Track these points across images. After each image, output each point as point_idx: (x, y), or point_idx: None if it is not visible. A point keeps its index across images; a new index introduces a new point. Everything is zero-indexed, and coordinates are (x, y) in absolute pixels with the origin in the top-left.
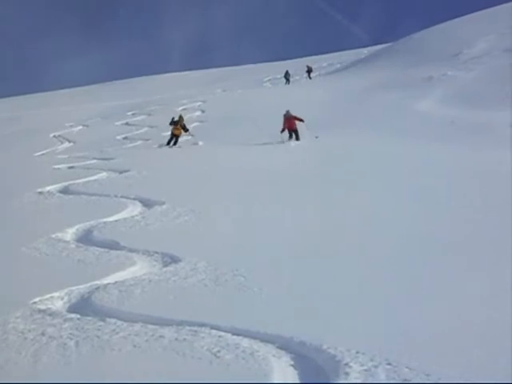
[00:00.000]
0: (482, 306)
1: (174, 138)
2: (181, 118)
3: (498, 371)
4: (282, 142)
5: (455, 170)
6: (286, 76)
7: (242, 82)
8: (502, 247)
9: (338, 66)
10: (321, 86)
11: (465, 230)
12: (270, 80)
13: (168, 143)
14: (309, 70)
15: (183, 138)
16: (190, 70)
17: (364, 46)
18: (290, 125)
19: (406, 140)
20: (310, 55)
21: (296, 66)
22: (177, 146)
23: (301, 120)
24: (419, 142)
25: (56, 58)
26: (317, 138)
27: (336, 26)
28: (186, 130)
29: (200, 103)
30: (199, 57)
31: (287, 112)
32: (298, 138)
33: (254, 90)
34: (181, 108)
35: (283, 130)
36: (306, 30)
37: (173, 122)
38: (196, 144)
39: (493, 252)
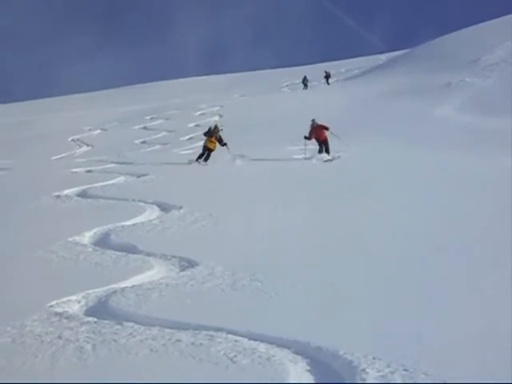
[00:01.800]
0: (493, 310)
1: (207, 152)
2: (216, 128)
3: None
4: (309, 158)
5: (470, 177)
6: (304, 81)
7: (260, 87)
8: None
9: (356, 71)
10: (339, 91)
11: (477, 235)
12: (287, 85)
13: (199, 158)
14: (327, 76)
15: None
16: (206, 74)
17: (381, 53)
18: (319, 135)
19: (424, 147)
20: (328, 61)
21: (314, 71)
22: (206, 162)
23: (326, 128)
24: (436, 149)
25: (70, 63)
26: (338, 157)
27: (353, 33)
28: (223, 144)
29: (218, 108)
30: (215, 62)
31: (313, 121)
32: (328, 151)
33: (272, 95)
34: (199, 113)
35: (309, 138)
36: (323, 35)
37: (208, 133)
38: (234, 160)
39: (505, 257)
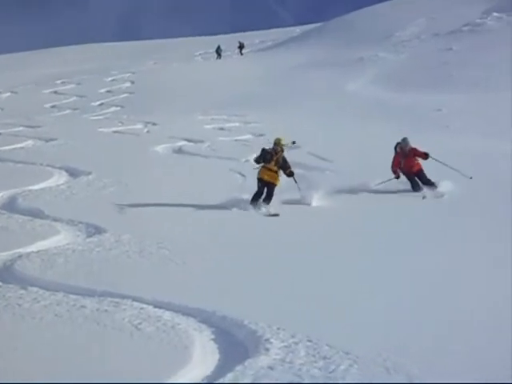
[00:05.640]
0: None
1: (266, 188)
2: (279, 145)
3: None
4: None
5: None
6: (218, 51)
7: (174, 55)
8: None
9: (270, 43)
10: (253, 62)
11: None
12: (201, 54)
13: (254, 199)
14: (240, 46)
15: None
16: (119, 41)
17: (294, 25)
18: (409, 165)
19: (338, 119)
20: (242, 31)
21: (228, 41)
22: (269, 204)
23: (425, 156)
24: (350, 122)
25: None
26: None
27: (267, 5)
28: (290, 174)
29: (130, 74)
30: (129, 28)
31: (404, 141)
32: (415, 188)
33: (185, 64)
34: (110, 79)
35: (395, 173)
36: (237, 6)
37: (262, 157)
38: (307, 204)
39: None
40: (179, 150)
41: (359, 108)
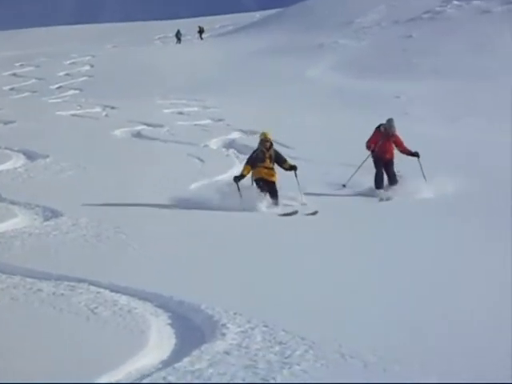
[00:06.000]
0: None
1: (267, 187)
2: (267, 140)
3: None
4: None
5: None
6: (178, 35)
7: (133, 39)
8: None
9: (230, 28)
10: (212, 47)
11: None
12: (160, 38)
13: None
14: (200, 31)
15: None
16: (80, 23)
17: (254, 11)
18: (383, 149)
19: (298, 105)
20: (202, 16)
21: (188, 26)
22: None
23: (411, 153)
24: (310, 108)
25: None
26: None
27: None
28: (291, 168)
29: (89, 57)
30: (88, 11)
31: (388, 122)
32: (393, 182)
33: (144, 48)
34: (69, 62)
35: (369, 148)
36: None
37: (253, 158)
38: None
39: None
40: (138, 134)
41: (319, 95)
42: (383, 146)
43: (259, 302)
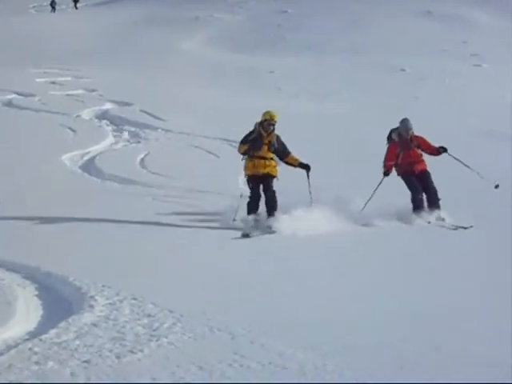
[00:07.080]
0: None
1: (262, 184)
2: (271, 122)
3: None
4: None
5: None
6: (52, 4)
7: (6, 6)
8: None
9: None
10: (87, 16)
11: None
12: (35, 7)
13: (252, 209)
14: (75, 0)
15: None
16: None
17: None
18: (409, 160)
19: (172, 78)
20: None
21: None
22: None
23: (438, 152)
24: (184, 81)
25: None
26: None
27: None
28: (300, 166)
29: None
30: None
31: (403, 124)
32: (434, 203)
33: (18, 18)
34: None
35: (387, 170)
36: None
37: (251, 144)
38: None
39: None
40: (9, 103)
41: (194, 67)
42: (406, 157)
43: (128, 275)
